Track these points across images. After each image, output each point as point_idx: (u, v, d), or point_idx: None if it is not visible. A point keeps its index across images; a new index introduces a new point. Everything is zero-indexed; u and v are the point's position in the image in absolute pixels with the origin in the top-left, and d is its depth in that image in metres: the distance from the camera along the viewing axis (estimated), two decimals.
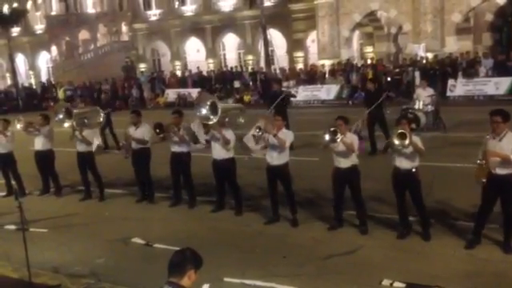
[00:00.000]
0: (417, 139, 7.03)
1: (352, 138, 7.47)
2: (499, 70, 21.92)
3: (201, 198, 9.54)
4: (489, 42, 27.33)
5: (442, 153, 7.54)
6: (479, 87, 21.74)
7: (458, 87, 22.17)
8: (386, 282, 5.94)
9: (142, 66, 38.71)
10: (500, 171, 6.40)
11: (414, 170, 7.03)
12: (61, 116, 10.14)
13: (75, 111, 10.28)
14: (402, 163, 7.03)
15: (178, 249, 3.48)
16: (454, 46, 26.36)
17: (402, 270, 6.27)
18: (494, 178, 6.43)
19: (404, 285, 5.87)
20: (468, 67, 22.80)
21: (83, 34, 41.73)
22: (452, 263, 6.40)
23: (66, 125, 10.13)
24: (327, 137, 7.25)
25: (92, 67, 36.64)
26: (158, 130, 9.13)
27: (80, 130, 9.97)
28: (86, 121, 10.29)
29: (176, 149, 9.31)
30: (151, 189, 9.92)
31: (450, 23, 26.77)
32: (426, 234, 7.14)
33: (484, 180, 6.50)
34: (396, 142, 6.81)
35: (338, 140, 7.23)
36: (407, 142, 6.74)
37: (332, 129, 7.25)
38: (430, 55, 25.02)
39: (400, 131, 6.84)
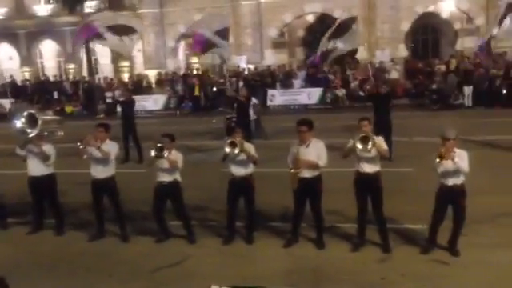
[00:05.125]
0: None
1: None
2: (311, 81, 24.17)
3: (13, 220, 8.72)
4: (301, 55, 29.96)
5: (266, 159, 8.12)
6: (294, 97, 23.76)
7: (277, 97, 23.90)
8: None
9: None
10: (308, 174, 7.03)
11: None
12: None
13: None
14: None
15: None
16: (271, 58, 28.34)
17: (228, 274, 6.49)
18: (303, 182, 7.02)
19: None
20: (285, 79, 24.69)
21: None
22: (274, 263, 6.81)
23: None
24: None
25: None
26: None
27: None
28: None
29: None
30: None
31: (268, 37, 28.72)
32: (249, 238, 7.52)
33: (296, 185, 7.05)
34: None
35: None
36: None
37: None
38: (251, 67, 26.51)
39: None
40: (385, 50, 24.95)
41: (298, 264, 6.79)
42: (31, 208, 8.42)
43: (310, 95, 23.46)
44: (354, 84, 23.40)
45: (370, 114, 10.78)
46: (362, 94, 20.36)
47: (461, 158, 6.45)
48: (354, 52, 26.23)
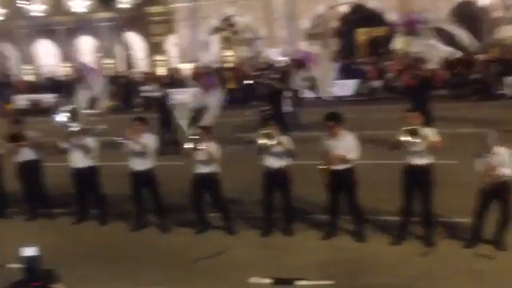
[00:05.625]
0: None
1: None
2: (345, 73, 23.89)
3: (59, 210, 9.00)
4: (335, 46, 29.64)
5: (303, 151, 8.12)
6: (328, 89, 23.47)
7: None
8: (253, 280, 6.15)
9: None
10: (339, 167, 6.99)
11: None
12: None
13: None
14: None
15: None
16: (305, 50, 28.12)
17: (268, 266, 6.53)
18: (334, 174, 6.99)
19: (270, 280, 6.13)
20: None
21: None
22: (313, 255, 6.82)
23: None
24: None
25: None
26: (14, 142, 8.46)
27: None
28: None
29: (24, 157, 8.68)
30: (4, 203, 9.17)
31: (301, 29, 28.54)
32: (288, 230, 7.53)
33: (328, 180, 7.02)
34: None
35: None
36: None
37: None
38: (284, 59, 26.37)
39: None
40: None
41: (337, 256, 6.78)
42: (74, 199, 8.66)
43: (345, 87, 23.18)
44: (390, 75, 22.99)
45: (407, 106, 10.62)
46: (398, 85, 20.02)
47: (505, 164, 6.27)
48: (387, 41, 25.82)
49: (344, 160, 6.93)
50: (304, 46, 28.44)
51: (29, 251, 2.77)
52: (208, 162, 7.53)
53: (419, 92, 11.85)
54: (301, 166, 7.88)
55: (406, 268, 6.27)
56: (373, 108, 18.86)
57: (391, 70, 23.16)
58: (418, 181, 6.81)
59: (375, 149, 8.65)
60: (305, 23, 28.58)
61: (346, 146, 6.95)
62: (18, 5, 34.69)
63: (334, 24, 29.78)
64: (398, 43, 25.17)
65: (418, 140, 6.52)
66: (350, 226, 7.39)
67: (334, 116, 7.06)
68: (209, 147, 7.45)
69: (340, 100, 22.22)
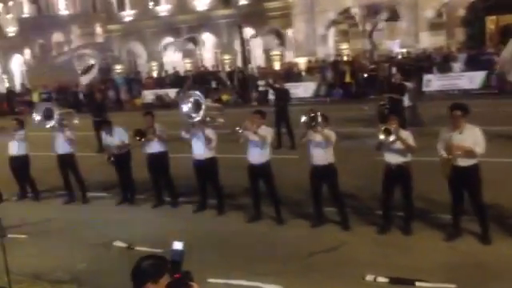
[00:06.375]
0: None
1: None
2: (472, 64, 22.31)
3: (182, 199, 9.52)
4: (461, 37, 27.79)
5: (422, 147, 7.71)
6: (454, 82, 22.13)
7: (434, 82, 22.50)
8: (369, 278, 5.99)
9: (118, 68, 38.28)
10: (463, 163, 6.54)
11: None
12: (39, 118, 10.03)
13: (58, 112, 10.22)
14: None
15: (159, 251, 3.33)
16: (427, 41, 26.75)
17: (384, 264, 6.33)
18: (457, 171, 6.56)
19: (387, 279, 5.94)
20: (443, 62, 23.14)
21: (57, 37, 41.05)
22: (433, 256, 6.48)
23: (48, 125, 9.99)
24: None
25: (66, 70, 36.00)
26: (138, 137, 9.10)
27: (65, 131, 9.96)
28: (65, 122, 10.23)
29: (153, 150, 9.26)
30: (133, 191, 9.88)
31: (424, 19, 27.15)
32: (407, 228, 7.23)
33: (449, 173, 6.61)
34: None
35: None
36: None
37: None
38: (404, 51, 25.34)
39: None
40: None
41: (461, 259, 6.36)
42: (197, 189, 9.08)
43: (472, 79, 21.66)
44: None
45: None
46: None
47: None
48: None
49: (470, 153, 6.48)
50: (426, 36, 27.07)
51: (177, 245, 2.99)
52: (324, 152, 7.42)
53: None
54: (421, 163, 7.51)
55: None
56: (503, 102, 17.39)
57: None
58: None
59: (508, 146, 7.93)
60: (428, 13, 27.14)
61: (470, 139, 6.51)
62: (147, 6, 37.20)
63: (461, 12, 27.92)
64: None
65: None
66: (474, 228, 6.90)
67: (460, 106, 6.65)
68: (325, 132, 7.35)
69: (466, 93, 20.85)
